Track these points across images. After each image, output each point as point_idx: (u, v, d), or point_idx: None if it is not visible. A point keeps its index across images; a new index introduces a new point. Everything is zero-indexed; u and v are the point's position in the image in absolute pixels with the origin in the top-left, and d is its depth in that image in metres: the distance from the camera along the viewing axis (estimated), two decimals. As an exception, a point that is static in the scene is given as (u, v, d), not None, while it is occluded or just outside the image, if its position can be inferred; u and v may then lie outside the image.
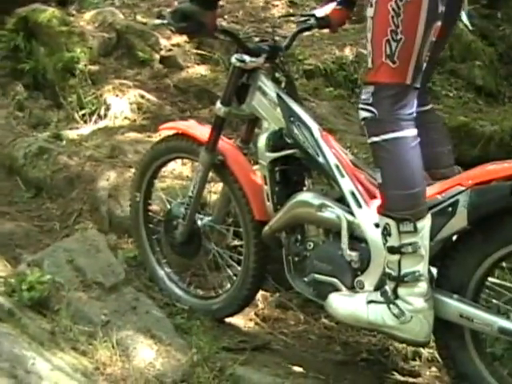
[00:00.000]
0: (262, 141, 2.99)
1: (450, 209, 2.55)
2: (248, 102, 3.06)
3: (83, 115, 5.16)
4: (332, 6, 3.28)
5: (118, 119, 5.10)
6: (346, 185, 2.81)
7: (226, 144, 3.20)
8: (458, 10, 2.86)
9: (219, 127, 3.13)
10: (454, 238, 2.64)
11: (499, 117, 5.66)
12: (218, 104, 3.11)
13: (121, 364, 2.73)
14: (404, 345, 3.11)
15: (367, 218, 2.74)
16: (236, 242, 3.44)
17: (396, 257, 2.58)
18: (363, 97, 2.58)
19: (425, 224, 2.54)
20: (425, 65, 2.55)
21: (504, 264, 2.84)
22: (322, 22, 3.27)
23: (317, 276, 2.89)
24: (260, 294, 3.44)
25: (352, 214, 2.78)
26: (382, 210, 2.60)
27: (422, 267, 2.57)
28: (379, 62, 2.52)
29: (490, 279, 2.74)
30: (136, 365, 2.76)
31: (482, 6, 7.29)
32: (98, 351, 2.74)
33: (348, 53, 6.14)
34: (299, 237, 2.96)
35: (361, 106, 2.59)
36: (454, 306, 2.62)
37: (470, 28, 6.56)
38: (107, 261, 3.32)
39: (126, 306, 3.09)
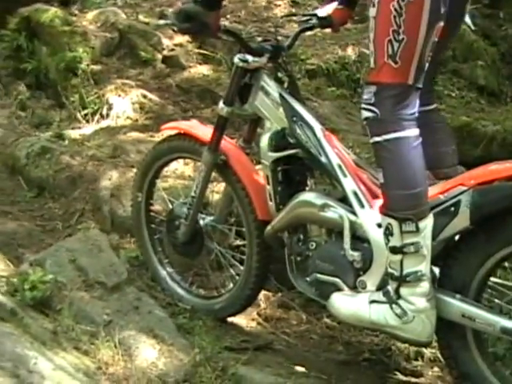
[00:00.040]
0: (264, 141, 2.99)
1: (453, 209, 2.55)
2: (250, 101, 3.06)
3: (85, 115, 5.16)
4: (334, 5, 3.28)
5: (120, 119, 5.10)
6: (349, 185, 2.81)
7: (228, 144, 3.20)
8: (461, 11, 2.86)
9: (222, 127, 3.13)
10: (457, 237, 2.64)
11: (501, 116, 5.65)
12: (221, 104, 3.11)
13: (123, 364, 2.73)
14: (406, 345, 3.11)
15: (369, 217, 2.73)
16: (238, 242, 3.44)
17: (398, 257, 2.57)
18: (365, 97, 2.58)
19: (427, 224, 2.54)
20: (427, 65, 2.55)
21: (506, 264, 2.85)
22: (324, 22, 3.27)
23: (319, 276, 2.89)
24: (262, 294, 3.44)
25: (354, 213, 2.78)
26: (384, 210, 2.60)
27: (424, 267, 2.57)
28: (381, 62, 2.52)
29: (492, 279, 2.74)
30: (138, 364, 2.76)
31: (484, 5, 7.28)
32: (100, 351, 2.74)
33: (350, 52, 6.14)
34: (301, 237, 2.96)
35: (363, 105, 2.59)
36: (457, 305, 2.61)
37: (473, 28, 6.57)
38: (109, 260, 3.32)
39: (128, 305, 3.09)
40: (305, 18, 3.30)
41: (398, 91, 2.52)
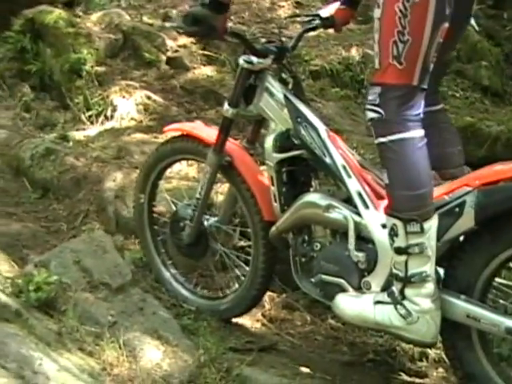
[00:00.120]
0: (269, 142, 3.00)
1: (457, 209, 2.55)
2: (255, 103, 3.06)
3: (90, 116, 5.16)
4: (336, 5, 3.29)
5: (124, 120, 5.10)
6: (353, 185, 2.81)
7: (232, 145, 3.20)
8: (467, 12, 2.86)
9: (227, 129, 3.13)
10: (461, 238, 2.64)
11: (505, 117, 5.65)
12: (226, 105, 3.11)
13: (128, 365, 2.73)
14: (411, 345, 3.11)
15: (374, 218, 2.74)
16: (242, 243, 3.44)
17: (403, 257, 2.57)
18: (370, 97, 2.58)
19: (432, 225, 2.54)
20: (432, 66, 2.55)
21: (511, 264, 2.84)
22: (327, 22, 3.27)
23: (324, 277, 2.89)
24: (267, 295, 3.44)
25: (359, 214, 2.78)
26: (389, 211, 2.60)
27: (428, 268, 2.57)
28: (386, 63, 2.52)
29: (497, 280, 2.74)
30: (143, 365, 2.76)
31: (488, 6, 7.28)
32: (105, 352, 2.74)
33: (354, 53, 6.14)
34: (306, 237, 2.96)
35: (368, 106, 2.59)
36: (461, 306, 2.61)
37: (477, 28, 6.55)
38: (114, 262, 3.32)
39: (132, 306, 3.09)
40: (307, 19, 3.31)
41: (403, 92, 2.52)
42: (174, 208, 3.46)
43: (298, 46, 3.28)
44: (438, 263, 2.62)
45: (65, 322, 2.82)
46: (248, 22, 6.44)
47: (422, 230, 2.53)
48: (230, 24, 5.49)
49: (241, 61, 3.05)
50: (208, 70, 5.70)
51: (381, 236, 2.69)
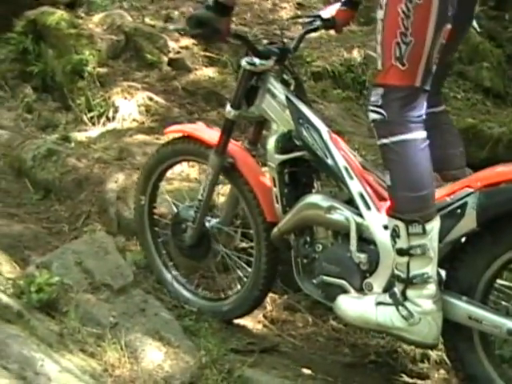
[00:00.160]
0: (271, 143, 3.00)
1: (459, 211, 2.55)
2: (257, 104, 3.06)
3: (92, 117, 5.17)
4: (337, 6, 3.30)
5: (126, 121, 5.11)
6: (355, 187, 2.81)
7: (234, 146, 3.20)
8: (469, 13, 2.86)
9: (229, 130, 3.13)
10: (463, 239, 2.64)
11: (507, 118, 5.65)
12: (228, 107, 3.11)
13: (129, 366, 2.73)
14: (412, 347, 3.11)
15: (376, 219, 2.74)
16: (244, 244, 3.44)
17: (405, 259, 2.57)
18: (372, 99, 2.58)
19: (433, 226, 2.54)
20: (434, 67, 2.55)
21: (513, 266, 2.84)
22: (328, 23, 3.28)
23: (325, 278, 2.89)
24: (268, 296, 3.43)
25: (361, 215, 2.78)
26: (391, 212, 2.60)
27: (430, 269, 2.57)
28: (389, 64, 2.52)
29: (498, 281, 2.74)
30: (144, 367, 2.76)
31: (489, 7, 7.29)
32: (107, 353, 2.74)
33: (356, 55, 6.14)
34: (308, 239, 2.96)
35: (370, 107, 2.59)
36: (463, 307, 2.61)
37: (478, 30, 6.57)
38: (116, 263, 3.32)
39: (134, 308, 3.09)
40: (308, 20, 3.31)
41: (406, 93, 2.52)
42: (175, 210, 3.46)
43: (300, 47, 3.28)
44: (440, 265, 2.62)
45: (66, 323, 2.82)
46: (250, 24, 6.45)
47: (424, 232, 2.53)
48: (232, 25, 5.50)
49: (243, 62, 3.05)
50: (210, 72, 5.71)
51: (382, 237, 2.69)
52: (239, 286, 3.31)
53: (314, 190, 3.04)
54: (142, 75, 5.60)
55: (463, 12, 2.66)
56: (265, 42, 3.24)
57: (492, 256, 2.58)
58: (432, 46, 2.49)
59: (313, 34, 3.50)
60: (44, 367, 2.36)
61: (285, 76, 3.08)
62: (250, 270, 3.23)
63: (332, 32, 3.51)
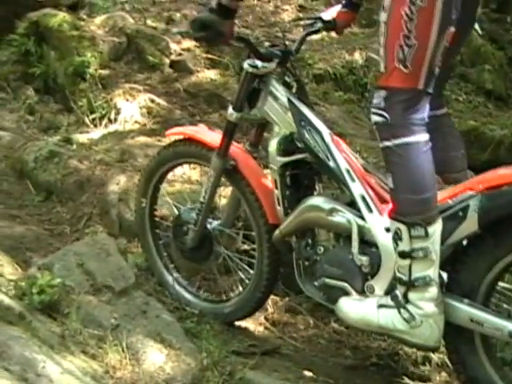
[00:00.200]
0: (272, 145, 3.00)
1: (461, 213, 2.55)
2: (259, 106, 3.06)
3: (93, 119, 5.17)
4: (337, 8, 3.31)
5: (128, 123, 5.11)
6: (357, 189, 2.81)
7: (236, 149, 3.20)
8: (472, 16, 2.86)
9: (231, 133, 3.13)
10: (465, 242, 2.64)
11: (509, 121, 5.66)
12: (230, 109, 3.11)
13: (131, 368, 2.73)
14: (414, 349, 3.11)
15: (378, 222, 2.73)
16: (246, 246, 3.44)
17: (407, 261, 2.57)
18: (375, 101, 2.58)
19: (436, 229, 2.54)
20: (437, 70, 2.55)
21: (514, 269, 2.84)
22: (329, 25, 3.28)
23: (327, 280, 2.89)
24: (270, 299, 3.43)
25: (362, 218, 2.78)
26: (393, 215, 2.59)
27: (432, 272, 2.57)
28: (392, 67, 2.52)
29: (500, 284, 2.73)
30: (146, 369, 2.76)
31: (491, 10, 7.30)
32: (108, 355, 2.73)
33: (358, 57, 6.15)
34: (310, 241, 2.96)
35: (373, 110, 2.59)
36: (465, 310, 2.61)
37: (480, 32, 6.58)
38: (117, 265, 3.32)
39: (135, 309, 3.09)
40: (309, 22, 3.32)
41: (409, 96, 2.52)
42: (176, 212, 3.46)
43: (302, 49, 3.28)
44: (442, 267, 2.62)
45: (68, 324, 2.82)
46: (252, 26, 6.45)
47: (427, 235, 2.52)
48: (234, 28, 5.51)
49: (245, 65, 3.05)
50: (211, 74, 5.72)
51: (384, 240, 2.69)
52: (241, 288, 3.31)
53: (315, 193, 3.04)
54: (143, 77, 5.60)
55: (466, 15, 2.66)
56: (267, 44, 3.24)
57: (494, 258, 2.58)
58: (435, 48, 2.49)
59: (315, 37, 3.51)
60: (45, 369, 2.36)
61: (287, 78, 3.08)
62: (251, 271, 3.23)
63: (333, 34, 3.52)
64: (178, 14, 6.49)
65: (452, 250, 2.63)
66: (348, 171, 2.84)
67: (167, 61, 5.77)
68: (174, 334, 2.99)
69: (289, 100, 2.99)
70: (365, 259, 2.76)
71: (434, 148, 2.57)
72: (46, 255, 3.54)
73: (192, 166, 4.10)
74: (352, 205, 2.83)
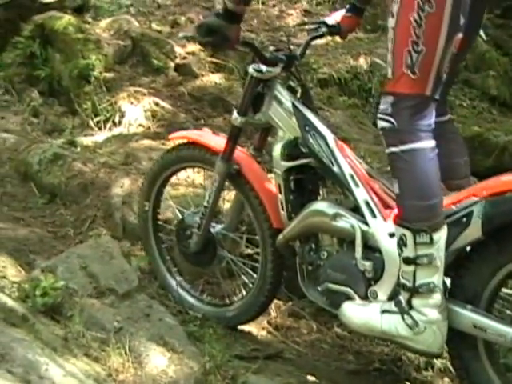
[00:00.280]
0: (277, 150, 3.00)
1: (465, 219, 2.55)
2: (264, 111, 3.06)
3: (98, 122, 5.17)
4: (342, 13, 3.31)
5: (132, 126, 5.11)
6: (361, 194, 2.81)
7: (240, 153, 3.20)
8: (478, 22, 2.86)
9: (235, 137, 3.13)
10: (468, 248, 2.64)
11: (513, 127, 5.66)
12: (235, 114, 3.11)
13: (133, 371, 2.73)
14: (417, 355, 3.10)
15: (381, 227, 2.73)
16: (249, 250, 3.44)
17: (411, 268, 2.57)
18: (382, 107, 2.58)
19: (441, 236, 2.54)
20: (445, 76, 2.55)
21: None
22: (333, 30, 3.29)
23: (330, 285, 2.89)
24: (273, 303, 3.43)
25: (366, 223, 2.78)
26: (399, 221, 2.59)
27: (436, 278, 2.57)
28: (399, 73, 2.52)
29: (503, 290, 2.73)
30: (148, 372, 2.76)
31: (496, 15, 7.29)
32: (111, 358, 2.73)
33: (362, 62, 6.15)
34: (313, 246, 2.96)
35: (379, 116, 2.59)
36: (468, 316, 2.61)
37: (484, 38, 6.57)
38: (121, 267, 3.32)
39: (139, 313, 3.08)
40: (314, 26, 3.32)
41: (416, 102, 2.52)
42: (179, 216, 3.46)
43: (306, 54, 3.29)
44: (445, 273, 2.62)
45: (71, 327, 2.82)
46: (256, 30, 6.45)
47: (432, 241, 2.52)
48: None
49: (250, 69, 3.05)
50: (216, 78, 5.71)
51: (388, 245, 2.69)
52: (244, 292, 3.31)
53: (319, 197, 3.05)
54: (148, 80, 5.61)
55: (472, 21, 2.66)
56: (271, 48, 3.24)
57: (497, 265, 2.58)
58: (443, 55, 2.49)
59: (319, 41, 3.52)
60: (48, 371, 2.36)
61: (291, 83, 3.09)
62: (255, 276, 3.23)
63: (338, 39, 3.52)
64: (183, 18, 6.49)
65: (455, 256, 2.63)
66: (352, 176, 2.84)
67: (172, 64, 5.77)
68: (176, 337, 2.99)
69: (293, 105, 2.99)
70: (368, 264, 2.76)
71: (437, 154, 2.57)
72: (50, 258, 3.54)
73: (196, 169, 4.10)
74: (356, 210, 2.83)
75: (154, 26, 6.32)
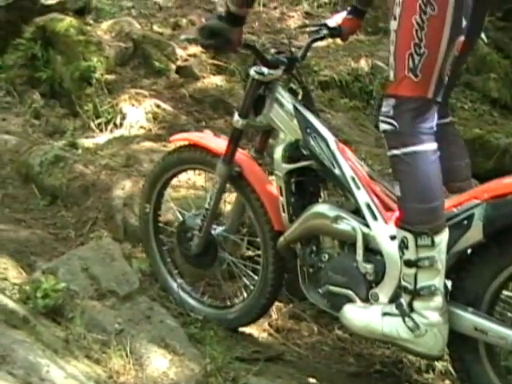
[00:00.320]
0: (278, 152, 3.00)
1: (466, 222, 2.55)
2: (265, 113, 3.06)
3: (99, 124, 5.17)
4: (343, 15, 3.32)
5: (133, 128, 5.11)
6: (362, 197, 2.81)
7: (241, 155, 3.20)
8: (480, 25, 2.86)
9: (237, 139, 3.13)
10: (469, 250, 2.64)
11: (514, 129, 5.66)
12: (236, 116, 3.11)
13: (134, 373, 2.73)
14: (418, 357, 3.10)
15: (382, 230, 2.73)
16: (250, 252, 3.44)
17: (412, 270, 2.57)
18: (384, 109, 2.58)
19: (442, 238, 2.54)
20: (447, 79, 2.55)
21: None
22: (334, 32, 3.29)
23: (331, 287, 2.89)
24: (274, 305, 3.43)
25: (367, 226, 2.78)
26: (400, 223, 2.59)
27: (438, 281, 2.57)
28: (401, 76, 2.52)
29: (504, 292, 2.73)
30: (149, 374, 2.76)
31: (497, 18, 7.29)
32: (112, 360, 2.74)
33: (363, 64, 6.15)
34: (314, 248, 2.96)
35: (381, 118, 2.59)
36: (469, 318, 2.61)
37: (485, 40, 6.58)
38: (122, 269, 3.32)
39: (140, 314, 3.09)
40: (315, 29, 3.32)
41: (418, 105, 2.52)
42: (180, 218, 3.46)
43: (307, 56, 3.29)
44: (446, 275, 2.62)
45: (72, 329, 2.82)
46: (258, 32, 6.45)
47: (433, 244, 2.52)
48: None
49: (252, 72, 3.05)
50: (217, 80, 5.72)
51: (389, 248, 2.69)
52: (245, 294, 3.31)
53: (320, 200, 3.05)
54: (149, 82, 5.61)
55: (474, 23, 2.66)
56: (273, 51, 3.24)
57: (498, 267, 2.58)
58: (445, 57, 2.49)
59: (321, 44, 3.52)
60: (49, 373, 2.35)
61: (292, 85, 3.09)
62: (256, 278, 3.23)
63: (339, 41, 3.52)
64: (184, 20, 6.49)
65: (456, 259, 2.63)
66: (353, 179, 2.84)
67: (173, 66, 5.77)
68: (177, 339, 2.99)
69: (294, 107, 3.00)
70: (369, 267, 2.76)
71: (439, 157, 2.57)
72: (51, 259, 3.54)
73: (197, 171, 4.10)
74: (357, 212, 2.83)
75: (155, 28, 6.32)
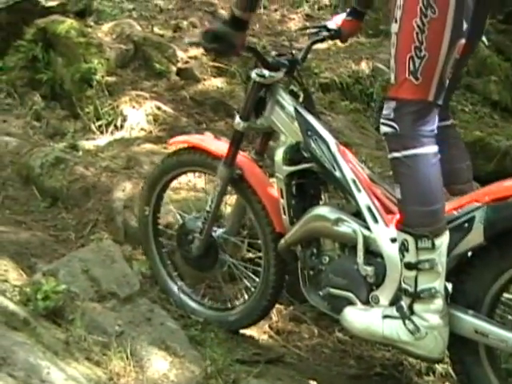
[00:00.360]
0: (279, 154, 3.00)
1: (467, 225, 2.55)
2: (266, 115, 3.06)
3: (100, 126, 5.17)
4: (342, 17, 3.33)
5: (134, 130, 5.11)
6: (363, 199, 2.81)
7: (242, 157, 3.20)
8: (481, 27, 2.86)
9: (238, 142, 3.13)
10: (470, 253, 2.64)
11: (515, 131, 5.66)
12: (237, 119, 3.11)
13: (134, 375, 2.73)
14: (418, 360, 3.10)
15: (383, 232, 2.73)
16: (251, 254, 3.44)
17: (413, 273, 2.57)
18: (385, 112, 2.58)
19: (443, 241, 2.54)
20: (447, 82, 2.55)
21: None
22: (334, 33, 3.30)
23: (332, 290, 2.88)
24: (274, 307, 3.43)
25: (368, 228, 2.78)
26: (401, 226, 2.59)
27: (438, 284, 2.57)
28: (402, 78, 2.52)
29: (505, 295, 2.73)
30: (150, 376, 2.76)
31: (498, 21, 7.30)
32: (112, 362, 2.73)
33: (364, 67, 6.15)
34: (315, 250, 2.96)
35: (382, 121, 2.59)
36: (469, 321, 2.61)
37: (486, 43, 6.58)
38: (122, 271, 3.32)
39: (140, 317, 3.09)
40: (315, 31, 3.33)
41: (419, 107, 2.52)
42: (180, 220, 3.46)
43: (308, 58, 3.29)
44: (447, 278, 2.62)
45: (72, 331, 2.82)
46: (258, 35, 6.45)
47: (433, 247, 2.52)
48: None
49: (253, 74, 3.06)
50: (218, 82, 5.72)
51: (390, 250, 2.69)
52: (246, 296, 3.31)
53: (321, 202, 3.05)
54: (150, 84, 5.61)
55: (475, 26, 2.66)
56: (273, 53, 3.24)
57: (499, 270, 2.58)
58: (446, 60, 2.49)
59: (321, 46, 3.53)
60: (50, 375, 2.36)
61: (293, 87, 3.09)
62: (257, 280, 3.24)
63: (340, 43, 3.52)
64: (185, 22, 6.49)
65: (457, 262, 2.63)
66: (354, 181, 2.84)
67: (174, 68, 5.77)
68: (178, 341, 2.99)
69: (295, 109, 3.00)
70: (370, 269, 2.76)
71: (440, 159, 2.57)
72: (51, 261, 3.54)
73: (197, 174, 4.10)
74: (358, 215, 2.83)
75: (156, 30, 6.32)
